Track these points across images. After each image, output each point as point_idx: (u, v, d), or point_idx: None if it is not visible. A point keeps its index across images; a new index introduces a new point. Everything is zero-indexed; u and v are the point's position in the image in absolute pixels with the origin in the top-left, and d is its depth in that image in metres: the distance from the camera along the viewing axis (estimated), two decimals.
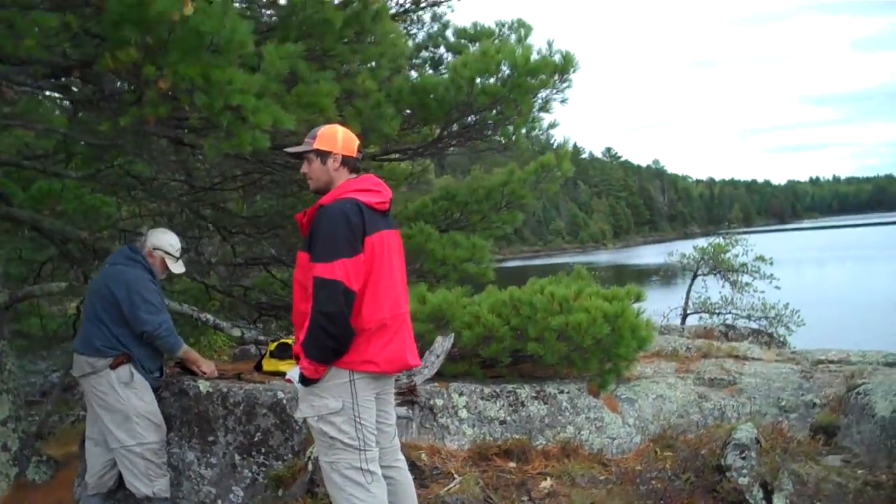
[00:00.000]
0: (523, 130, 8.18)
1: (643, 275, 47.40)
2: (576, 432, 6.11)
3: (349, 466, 3.63)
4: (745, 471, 4.58)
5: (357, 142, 3.94)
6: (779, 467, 4.60)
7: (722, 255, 23.45)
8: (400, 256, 3.93)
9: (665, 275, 32.38)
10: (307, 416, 3.70)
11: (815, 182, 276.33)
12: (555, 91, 8.06)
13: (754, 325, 18.41)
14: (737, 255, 23.58)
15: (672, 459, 5.13)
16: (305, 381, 3.62)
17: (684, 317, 21.73)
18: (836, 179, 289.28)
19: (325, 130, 3.86)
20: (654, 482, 4.89)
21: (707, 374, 7.34)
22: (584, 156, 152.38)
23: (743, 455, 4.66)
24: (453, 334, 6.24)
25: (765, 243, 29.87)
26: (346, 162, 3.84)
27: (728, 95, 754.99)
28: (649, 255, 29.81)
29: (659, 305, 22.26)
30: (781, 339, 17.50)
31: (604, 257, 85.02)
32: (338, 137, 3.84)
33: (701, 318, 21.03)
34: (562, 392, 6.31)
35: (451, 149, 9.00)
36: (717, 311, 21.70)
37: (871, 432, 5.21)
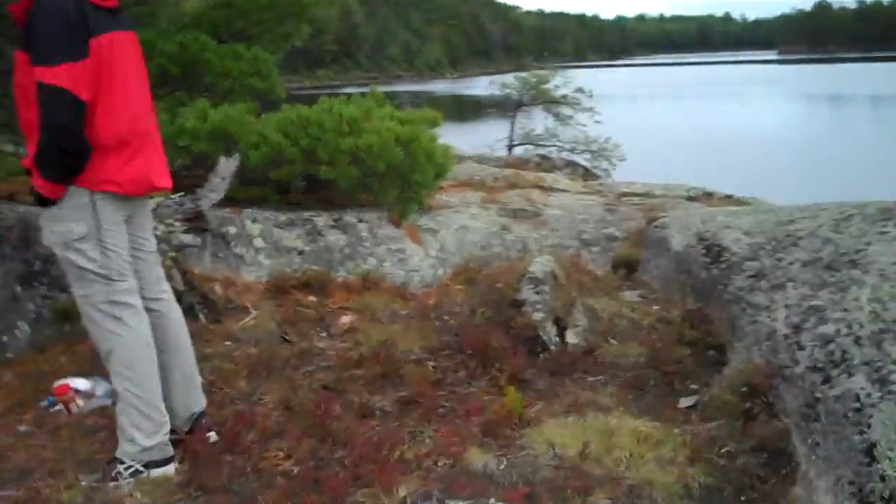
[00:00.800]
0: None
1: (481, 106, 47.36)
2: (377, 264, 5.90)
3: (104, 300, 3.24)
4: (539, 306, 4.43)
5: None
6: (573, 302, 4.52)
7: (543, 86, 23.47)
8: (138, 63, 3.38)
9: (500, 106, 32.36)
10: (52, 244, 3.26)
11: (641, 19, 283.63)
12: None
13: (578, 159, 18.59)
14: (557, 87, 23.63)
15: (470, 294, 4.99)
16: (43, 201, 3.17)
17: (510, 148, 21.83)
18: (662, 17, 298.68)
19: None
20: (448, 317, 4.73)
21: (512, 204, 7.23)
22: None
23: (537, 290, 4.52)
24: (238, 154, 5.83)
25: (599, 78, 30.16)
26: None
27: None
28: (486, 85, 29.56)
29: (489, 138, 22.26)
30: (606, 172, 17.97)
31: (441, 86, 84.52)
32: None
33: (526, 149, 21.07)
34: (361, 221, 6.07)
35: None
36: (541, 143, 21.80)
37: (666, 266, 5.21)
